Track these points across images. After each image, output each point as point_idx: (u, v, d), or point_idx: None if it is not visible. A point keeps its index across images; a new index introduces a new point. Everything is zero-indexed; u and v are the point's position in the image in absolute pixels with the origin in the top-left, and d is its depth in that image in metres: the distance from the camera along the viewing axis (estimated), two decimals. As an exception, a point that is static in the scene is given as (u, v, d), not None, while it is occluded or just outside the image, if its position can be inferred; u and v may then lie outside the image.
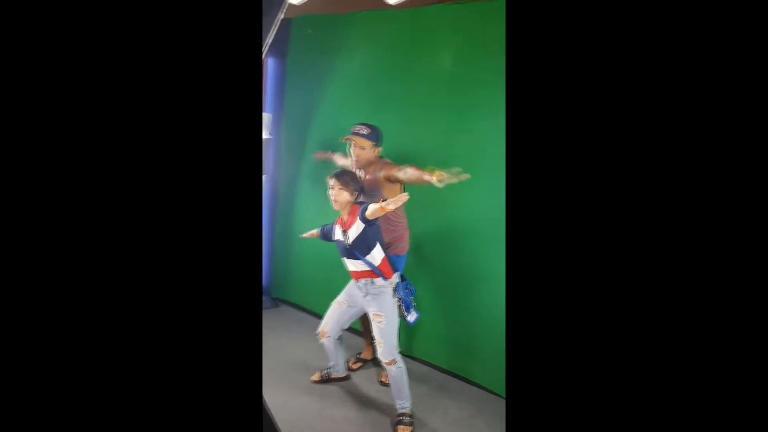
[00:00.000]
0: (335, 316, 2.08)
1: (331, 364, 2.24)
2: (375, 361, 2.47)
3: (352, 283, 2.05)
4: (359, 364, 2.45)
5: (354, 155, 2.05)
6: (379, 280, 1.91)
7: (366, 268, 1.91)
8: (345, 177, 1.91)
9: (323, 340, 2.12)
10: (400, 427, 1.96)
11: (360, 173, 2.09)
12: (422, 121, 2.46)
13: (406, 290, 1.97)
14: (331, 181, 1.91)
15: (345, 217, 1.92)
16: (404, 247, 2.19)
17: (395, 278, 1.95)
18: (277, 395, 2.12)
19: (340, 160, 2.37)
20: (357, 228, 1.86)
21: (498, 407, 2.22)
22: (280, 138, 3.09)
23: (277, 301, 3.19)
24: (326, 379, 2.28)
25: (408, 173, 1.90)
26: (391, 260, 1.96)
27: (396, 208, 2.06)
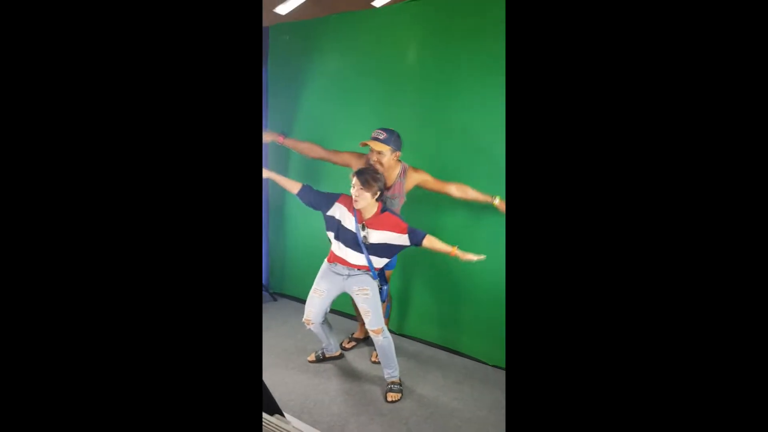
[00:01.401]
0: (316, 304, 2.16)
1: (324, 344, 2.39)
2: (367, 341, 2.63)
3: (327, 268, 2.15)
4: (352, 344, 2.60)
5: (375, 161, 2.09)
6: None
7: (363, 263, 2.03)
8: (365, 175, 1.91)
9: (310, 327, 2.23)
10: (390, 395, 2.11)
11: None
12: (398, 115, 2.62)
13: (385, 290, 2.18)
14: (353, 180, 1.93)
15: (366, 215, 1.98)
16: None
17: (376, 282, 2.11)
18: (275, 376, 2.28)
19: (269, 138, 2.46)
20: (390, 237, 1.96)
21: (483, 374, 2.37)
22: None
23: (275, 295, 3.36)
24: (321, 359, 2.43)
25: (467, 193, 2.16)
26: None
27: (399, 200, 2.20)
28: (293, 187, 2.08)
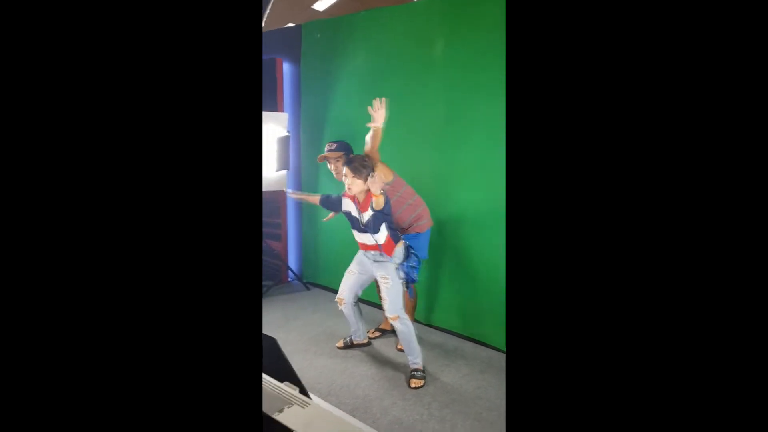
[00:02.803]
0: (349, 283, 2.32)
1: (353, 330, 2.49)
2: (394, 332, 2.70)
3: (360, 253, 2.30)
4: (377, 334, 2.68)
5: (333, 169, 2.39)
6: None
7: (373, 242, 2.16)
8: (355, 163, 2.09)
9: (342, 307, 2.37)
10: (413, 381, 2.17)
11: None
12: (424, 111, 2.67)
13: (411, 267, 2.20)
14: (345, 170, 2.11)
15: (360, 200, 2.14)
16: (426, 224, 2.42)
17: (400, 254, 2.17)
18: (305, 360, 2.39)
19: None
20: (369, 213, 2.11)
21: (507, 363, 2.39)
22: (298, 134, 3.38)
23: (309, 285, 3.49)
24: (349, 345, 2.53)
25: (368, 137, 2.17)
26: (395, 238, 2.18)
27: (403, 190, 2.33)
28: (315, 199, 2.43)
